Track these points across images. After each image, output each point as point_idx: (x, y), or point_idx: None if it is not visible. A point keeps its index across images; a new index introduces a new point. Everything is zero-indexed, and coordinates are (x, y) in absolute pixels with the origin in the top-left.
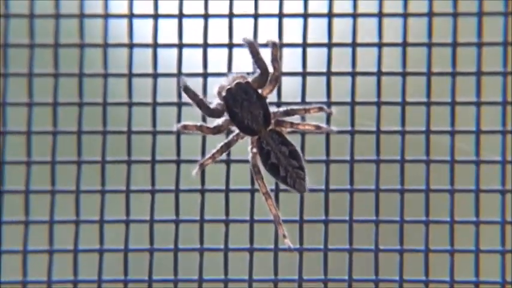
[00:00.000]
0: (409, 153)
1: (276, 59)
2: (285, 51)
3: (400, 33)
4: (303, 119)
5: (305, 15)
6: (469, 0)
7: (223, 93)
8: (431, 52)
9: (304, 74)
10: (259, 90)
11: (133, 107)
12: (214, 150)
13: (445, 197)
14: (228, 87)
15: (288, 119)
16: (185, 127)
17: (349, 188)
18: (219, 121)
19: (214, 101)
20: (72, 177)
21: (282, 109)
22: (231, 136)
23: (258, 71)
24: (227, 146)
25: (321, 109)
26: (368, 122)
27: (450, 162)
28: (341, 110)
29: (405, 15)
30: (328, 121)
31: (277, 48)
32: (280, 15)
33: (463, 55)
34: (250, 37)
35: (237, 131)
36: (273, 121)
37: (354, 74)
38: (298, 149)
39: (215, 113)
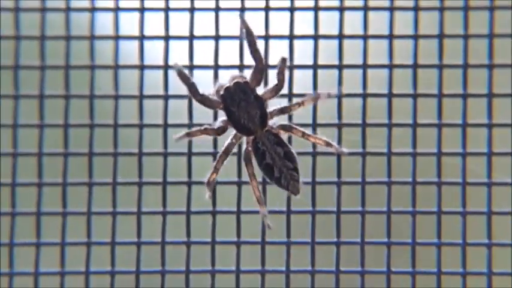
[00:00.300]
0: (421, 175)
1: (282, 73)
2: (296, 72)
3: (411, 55)
4: (314, 131)
5: (315, 37)
6: (480, 22)
7: (221, 92)
8: (442, 74)
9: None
10: (259, 92)
11: (144, 128)
12: (214, 163)
13: (457, 219)
14: (227, 86)
15: (300, 128)
16: (189, 134)
17: (361, 210)
18: (219, 122)
19: (212, 97)
20: (84, 199)
21: (277, 107)
22: (227, 142)
23: (254, 63)
24: (226, 153)
25: (315, 99)
26: (379, 143)
27: (462, 184)
28: (352, 131)
29: (416, 37)
30: (339, 141)
31: (285, 63)
32: (291, 37)
33: (474, 77)
34: (250, 25)
35: (233, 132)
36: (274, 123)
37: (365, 96)
38: (294, 151)
39: (204, 100)
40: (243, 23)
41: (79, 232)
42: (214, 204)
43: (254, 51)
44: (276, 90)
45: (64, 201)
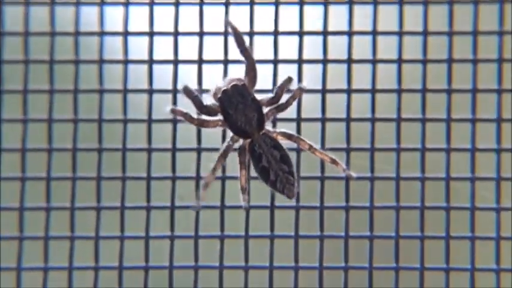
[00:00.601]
0: (429, 200)
1: (282, 89)
2: (305, 96)
3: (420, 79)
4: (322, 148)
5: (324, 61)
6: (489, 47)
7: (219, 95)
8: (451, 98)
9: (323, 120)
10: (257, 96)
11: (153, 152)
12: (213, 165)
13: (466, 244)
14: (224, 88)
15: (308, 140)
16: (173, 111)
17: (369, 235)
18: (207, 117)
19: (209, 102)
20: (92, 223)
21: (273, 106)
22: (224, 145)
23: (246, 62)
24: (224, 156)
25: (301, 90)
26: (387, 167)
27: (470, 209)
28: (361, 156)
29: (424, 62)
30: (347, 165)
31: (288, 82)
32: (300, 61)
33: (484, 101)
34: (236, 24)
35: (230, 134)
36: (278, 134)
37: (373, 120)
38: (290, 154)
39: (209, 111)
40: (229, 24)
41: (87, 256)
42: (222, 229)
43: (243, 50)
44: (271, 102)
45: (72, 225)
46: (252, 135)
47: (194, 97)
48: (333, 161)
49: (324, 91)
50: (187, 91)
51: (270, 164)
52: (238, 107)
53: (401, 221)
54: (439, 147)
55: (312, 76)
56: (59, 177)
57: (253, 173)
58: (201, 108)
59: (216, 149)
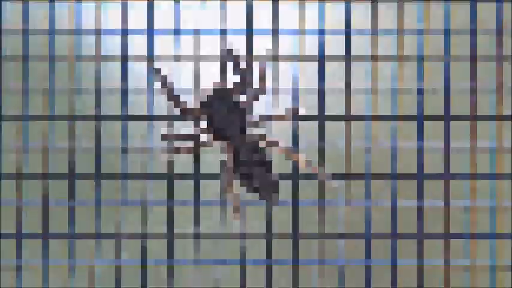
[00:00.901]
0: (427, 227)
1: (263, 79)
2: (302, 124)
3: (417, 109)
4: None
5: (320, 90)
6: (490, 77)
7: (203, 97)
8: (449, 126)
9: (321, 148)
10: (241, 100)
11: (150, 179)
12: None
13: (464, 272)
14: (209, 93)
15: (284, 144)
16: (164, 136)
17: (366, 264)
18: (196, 131)
19: (194, 105)
20: (89, 249)
21: (257, 116)
22: (201, 133)
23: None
24: (191, 137)
25: (295, 111)
26: (385, 194)
27: (469, 237)
28: (357, 183)
29: (422, 90)
30: (346, 192)
31: (263, 67)
32: (297, 88)
33: (482, 129)
34: (231, 45)
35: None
36: (260, 138)
37: (370, 149)
38: (272, 160)
39: (191, 112)
40: (225, 47)
41: (83, 282)
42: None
43: (237, 65)
44: (255, 97)
45: (70, 252)
46: (234, 139)
47: (176, 97)
48: (309, 164)
49: (322, 118)
50: (168, 89)
51: (251, 168)
52: (222, 111)
53: (399, 248)
54: (436, 173)
55: (309, 102)
56: (56, 204)
57: (248, 196)
58: (176, 100)
59: (214, 175)
